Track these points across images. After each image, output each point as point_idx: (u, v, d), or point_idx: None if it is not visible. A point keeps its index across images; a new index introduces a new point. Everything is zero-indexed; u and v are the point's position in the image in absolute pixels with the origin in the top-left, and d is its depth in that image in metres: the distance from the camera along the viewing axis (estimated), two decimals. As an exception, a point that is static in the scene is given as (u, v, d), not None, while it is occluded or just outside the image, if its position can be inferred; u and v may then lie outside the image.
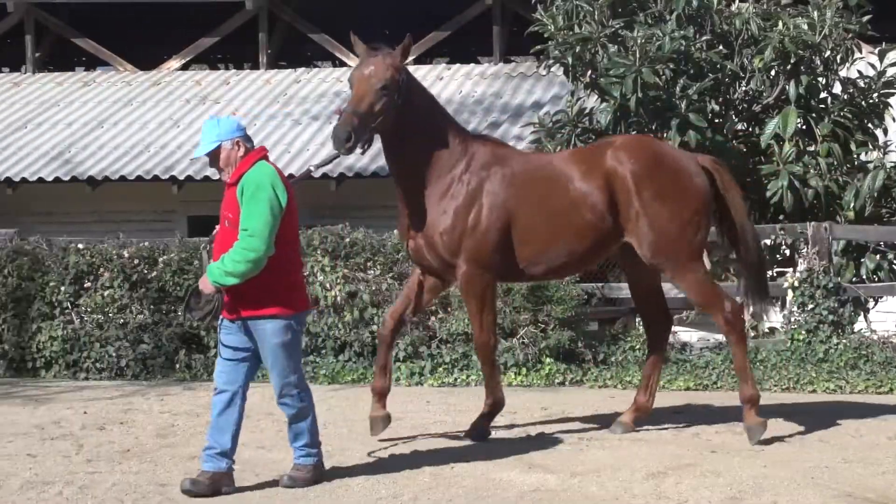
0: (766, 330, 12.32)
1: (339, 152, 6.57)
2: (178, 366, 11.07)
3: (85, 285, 11.43)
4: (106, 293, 11.35)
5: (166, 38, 19.11)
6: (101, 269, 11.52)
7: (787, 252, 12.01)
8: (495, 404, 7.31)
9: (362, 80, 6.53)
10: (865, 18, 12.10)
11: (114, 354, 11.07)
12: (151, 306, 11.36)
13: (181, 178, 14.47)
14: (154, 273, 11.44)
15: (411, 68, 17.25)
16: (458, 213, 6.89)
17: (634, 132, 12.09)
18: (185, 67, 18.07)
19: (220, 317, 5.81)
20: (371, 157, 14.77)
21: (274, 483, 6.30)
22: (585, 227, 7.16)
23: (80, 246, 11.66)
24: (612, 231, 7.24)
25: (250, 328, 5.73)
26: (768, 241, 11.91)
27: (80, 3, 18.03)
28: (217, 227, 5.91)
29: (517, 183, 7.06)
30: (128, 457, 7.46)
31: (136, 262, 11.53)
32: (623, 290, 12.43)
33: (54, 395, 10.14)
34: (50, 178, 14.68)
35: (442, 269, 7.05)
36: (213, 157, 5.83)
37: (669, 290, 11.63)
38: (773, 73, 12.00)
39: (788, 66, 11.75)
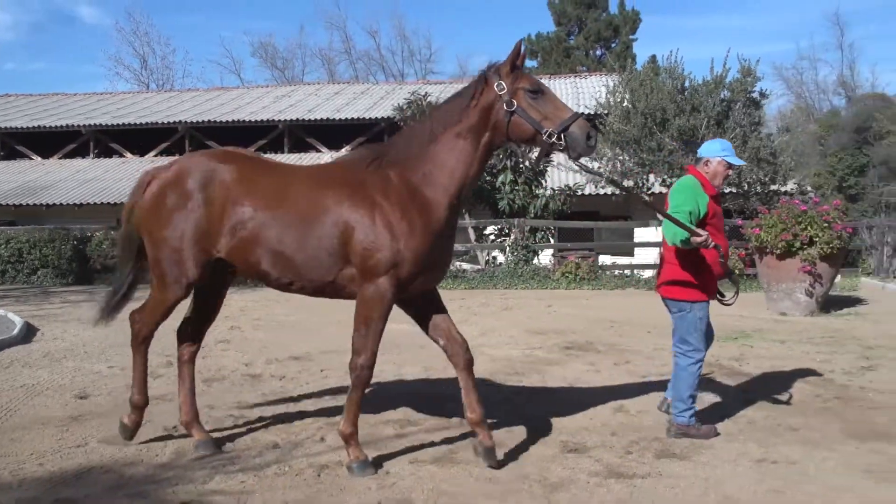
0: (499, 263, 18.68)
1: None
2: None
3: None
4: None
5: (325, 141, 28.95)
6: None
7: (507, 231, 19.16)
8: None
9: None
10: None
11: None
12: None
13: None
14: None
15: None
16: None
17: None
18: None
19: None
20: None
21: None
22: None
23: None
24: None
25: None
26: (497, 227, 19.02)
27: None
28: (706, 226, 5.80)
29: None
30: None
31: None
32: None
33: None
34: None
35: None
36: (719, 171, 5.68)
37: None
38: (500, 156, 19.21)
39: (509, 153, 19.22)
